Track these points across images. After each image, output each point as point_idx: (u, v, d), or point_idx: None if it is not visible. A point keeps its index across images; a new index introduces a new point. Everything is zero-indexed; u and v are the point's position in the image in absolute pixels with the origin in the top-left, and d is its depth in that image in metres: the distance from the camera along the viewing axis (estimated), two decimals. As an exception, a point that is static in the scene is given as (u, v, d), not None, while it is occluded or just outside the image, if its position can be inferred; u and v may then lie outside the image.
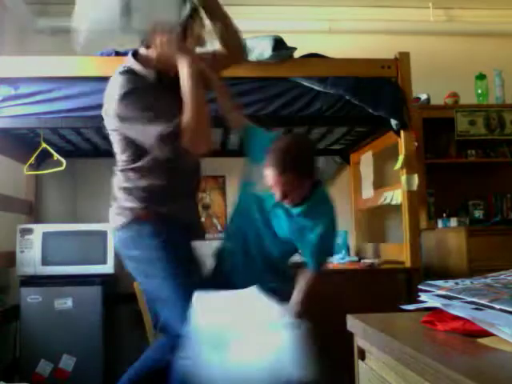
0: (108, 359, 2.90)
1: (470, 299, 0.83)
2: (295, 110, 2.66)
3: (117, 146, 1.81)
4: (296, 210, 1.81)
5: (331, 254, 2.10)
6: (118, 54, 2.69)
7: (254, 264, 1.90)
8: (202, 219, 3.68)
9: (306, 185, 1.78)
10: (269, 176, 1.74)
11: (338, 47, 3.31)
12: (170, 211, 1.77)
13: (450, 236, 3.16)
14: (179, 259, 1.77)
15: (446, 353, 0.75)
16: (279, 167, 1.71)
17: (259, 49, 2.61)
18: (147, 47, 1.76)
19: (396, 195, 2.93)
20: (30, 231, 2.94)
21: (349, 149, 3.70)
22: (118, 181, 1.84)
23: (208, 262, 1.97)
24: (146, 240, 1.75)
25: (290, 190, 1.74)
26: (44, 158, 3.14)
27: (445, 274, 2.97)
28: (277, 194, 1.75)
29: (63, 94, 2.57)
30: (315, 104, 2.67)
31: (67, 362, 2.79)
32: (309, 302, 1.87)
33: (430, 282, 0.99)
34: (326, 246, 1.89)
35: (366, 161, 3.50)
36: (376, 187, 3.35)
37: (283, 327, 1.57)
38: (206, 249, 3.50)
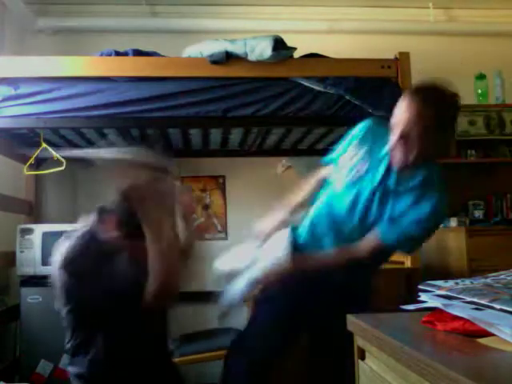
0: (108, 359, 2.90)
1: (469, 299, 0.83)
2: (295, 109, 2.66)
3: None
4: (404, 178, 1.55)
5: (408, 248, 1.73)
6: (118, 53, 2.69)
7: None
8: (202, 220, 3.68)
9: (430, 140, 1.48)
10: (400, 106, 1.48)
11: (338, 47, 3.30)
12: None
13: (450, 236, 3.15)
14: None
15: (446, 353, 0.75)
16: (420, 92, 1.47)
17: (259, 49, 2.61)
18: None
19: (396, 195, 2.93)
20: (30, 231, 2.94)
21: (349, 149, 3.69)
22: None
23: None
24: None
25: (416, 129, 1.44)
26: (44, 158, 3.14)
27: (445, 274, 2.97)
28: (396, 134, 1.48)
29: (63, 94, 2.57)
30: (315, 104, 2.67)
31: (67, 362, 2.78)
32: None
33: (430, 282, 0.99)
34: (415, 235, 1.57)
35: (365, 161, 3.50)
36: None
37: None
38: (208, 249, 3.48)
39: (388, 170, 1.59)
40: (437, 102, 1.47)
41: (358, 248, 1.63)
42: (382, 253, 1.67)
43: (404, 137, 1.48)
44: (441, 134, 1.50)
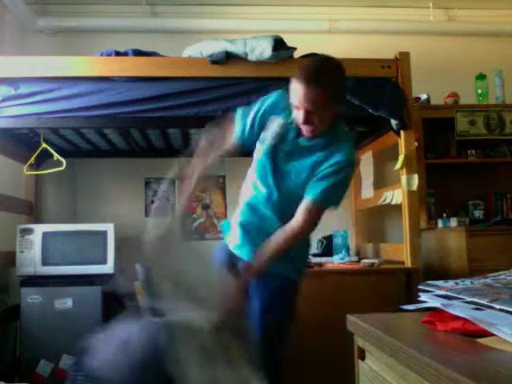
0: (108, 359, 2.89)
1: (469, 299, 0.83)
2: (295, 109, 2.66)
3: None
4: (314, 141, 1.70)
5: (337, 201, 1.74)
6: (118, 53, 2.69)
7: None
8: (202, 220, 3.69)
9: (331, 111, 1.67)
10: (297, 91, 1.61)
11: (338, 47, 3.29)
12: None
13: (450, 236, 3.16)
14: None
15: (446, 353, 0.75)
16: (313, 78, 1.58)
17: (259, 49, 2.61)
18: None
19: (396, 195, 2.93)
20: (30, 231, 2.94)
21: (349, 149, 3.69)
22: None
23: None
24: None
25: (317, 109, 1.61)
26: (44, 158, 3.14)
27: (445, 274, 2.97)
28: (301, 116, 1.63)
29: (63, 94, 2.57)
30: (315, 104, 2.67)
31: (67, 362, 2.78)
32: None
33: (429, 282, 0.99)
34: (337, 183, 1.68)
35: (366, 161, 3.50)
36: (376, 187, 3.35)
37: None
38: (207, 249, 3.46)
39: (297, 135, 1.74)
40: (329, 79, 1.64)
41: (302, 222, 1.68)
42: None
43: (308, 113, 1.63)
44: (336, 101, 1.69)
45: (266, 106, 1.81)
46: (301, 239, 1.73)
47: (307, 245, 1.92)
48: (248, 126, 1.82)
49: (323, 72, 1.63)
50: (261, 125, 1.80)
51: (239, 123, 1.85)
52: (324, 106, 1.63)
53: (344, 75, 1.74)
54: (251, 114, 1.82)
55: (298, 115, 1.66)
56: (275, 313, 1.75)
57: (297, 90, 1.62)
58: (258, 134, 1.81)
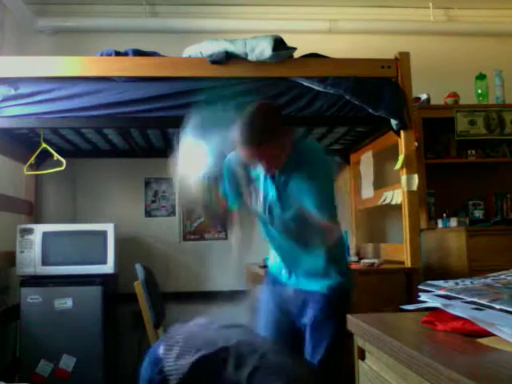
0: (108, 359, 2.90)
1: (469, 299, 0.83)
2: (295, 109, 2.66)
3: None
4: (284, 170, 1.78)
5: (331, 210, 1.81)
6: (118, 53, 2.69)
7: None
8: (202, 220, 3.69)
9: (281, 145, 1.74)
10: (243, 153, 1.73)
11: (337, 47, 3.31)
12: None
13: (450, 236, 3.15)
14: None
15: (446, 353, 0.75)
16: (244, 141, 1.68)
17: (259, 49, 2.61)
18: None
19: (396, 195, 2.93)
20: (30, 231, 2.94)
21: (349, 149, 3.70)
22: None
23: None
24: None
25: (266, 157, 1.71)
26: (44, 158, 3.14)
27: (445, 274, 2.97)
28: (261, 166, 1.75)
29: (63, 94, 2.57)
30: (315, 104, 2.67)
31: (67, 362, 2.79)
32: None
33: (429, 282, 0.99)
34: (323, 194, 1.74)
35: (366, 161, 3.50)
36: (376, 187, 3.35)
37: None
38: (208, 249, 3.48)
39: (271, 177, 1.83)
40: (264, 130, 1.69)
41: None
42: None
43: (262, 161, 1.74)
44: (278, 136, 1.74)
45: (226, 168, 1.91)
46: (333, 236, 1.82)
47: (342, 249, 2.02)
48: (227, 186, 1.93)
49: (247, 128, 1.68)
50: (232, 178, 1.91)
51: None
52: (269, 150, 1.69)
53: (266, 111, 1.78)
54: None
55: (258, 165, 1.77)
56: (331, 327, 1.76)
57: (243, 154, 1.73)
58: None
